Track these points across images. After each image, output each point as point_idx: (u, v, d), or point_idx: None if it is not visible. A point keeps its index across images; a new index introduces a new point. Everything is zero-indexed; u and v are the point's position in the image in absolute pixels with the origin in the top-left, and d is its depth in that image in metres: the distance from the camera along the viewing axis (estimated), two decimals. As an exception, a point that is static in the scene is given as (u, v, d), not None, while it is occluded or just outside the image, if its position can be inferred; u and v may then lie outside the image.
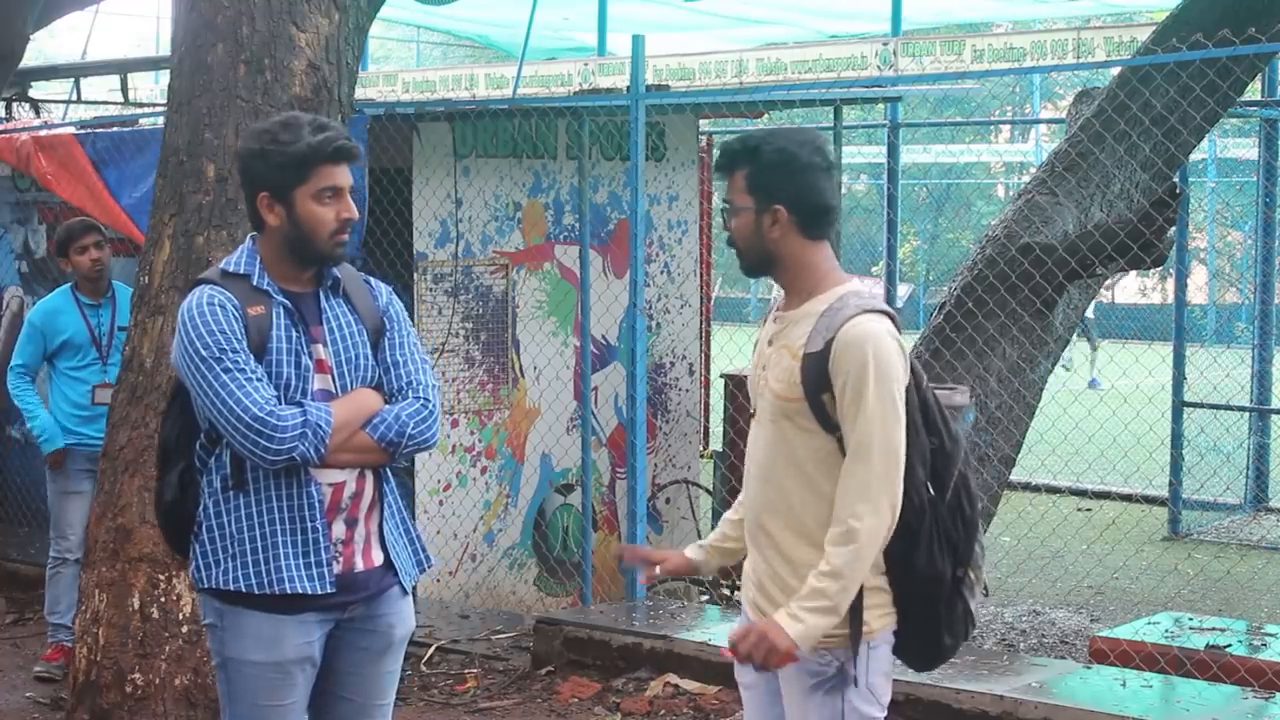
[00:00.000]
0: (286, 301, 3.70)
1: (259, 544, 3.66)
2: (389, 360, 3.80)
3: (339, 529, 3.72)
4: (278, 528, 3.66)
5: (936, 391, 3.54)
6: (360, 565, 3.75)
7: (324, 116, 3.88)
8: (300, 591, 3.65)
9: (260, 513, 3.66)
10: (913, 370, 3.45)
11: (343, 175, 3.69)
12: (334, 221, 3.67)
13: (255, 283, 3.69)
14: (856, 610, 3.38)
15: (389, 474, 3.83)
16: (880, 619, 3.45)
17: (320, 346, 3.72)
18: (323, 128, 3.67)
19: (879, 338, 3.35)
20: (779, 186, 3.44)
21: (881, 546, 3.36)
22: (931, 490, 3.44)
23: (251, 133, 3.77)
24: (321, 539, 3.67)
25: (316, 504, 3.67)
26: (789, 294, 3.54)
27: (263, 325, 3.64)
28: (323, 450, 3.61)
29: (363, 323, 3.79)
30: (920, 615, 3.47)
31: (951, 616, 3.49)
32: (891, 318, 3.42)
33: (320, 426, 3.60)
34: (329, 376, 3.71)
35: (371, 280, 3.90)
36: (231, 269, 3.72)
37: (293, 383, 3.65)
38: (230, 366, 3.57)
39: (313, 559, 3.67)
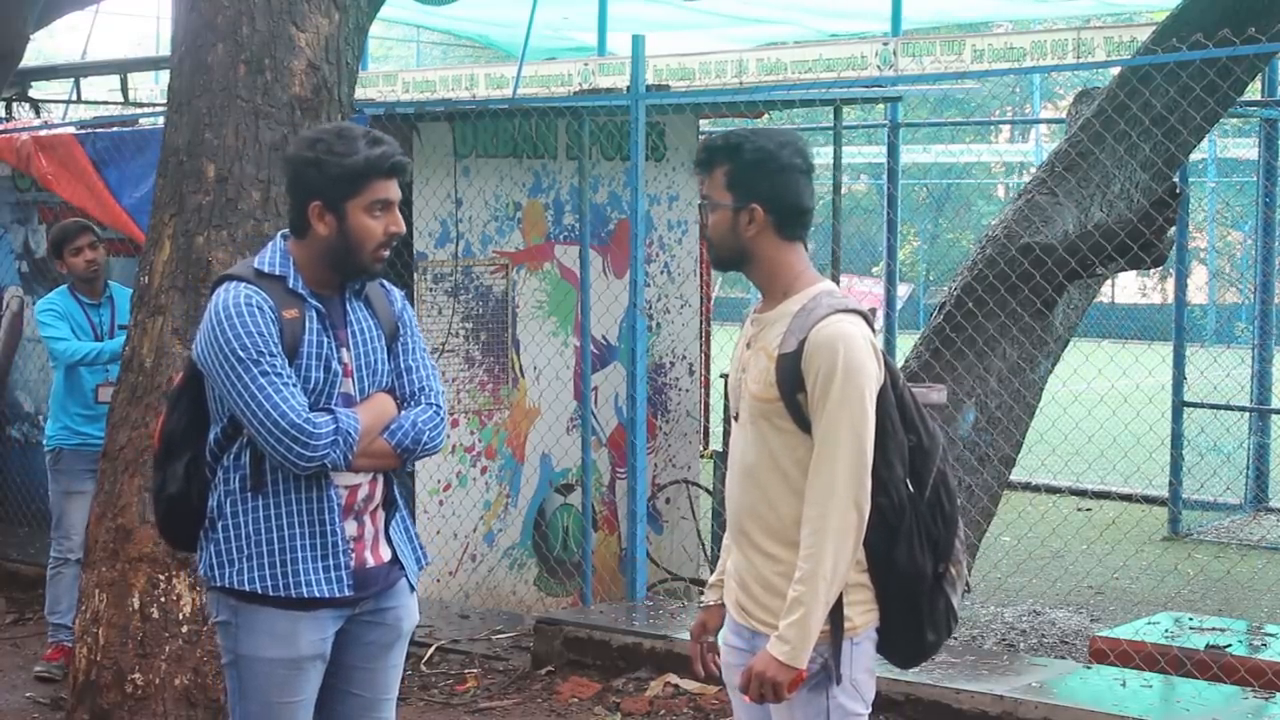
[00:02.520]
0: (319, 306, 3.71)
1: (275, 546, 3.68)
2: (403, 365, 3.84)
3: (350, 526, 3.75)
4: (296, 530, 3.68)
5: (913, 389, 3.56)
6: (371, 561, 3.79)
7: (377, 131, 3.88)
8: (318, 596, 3.68)
9: (279, 515, 3.68)
10: (889, 368, 3.47)
11: (394, 189, 3.71)
12: (382, 235, 3.69)
13: (290, 285, 3.69)
14: (839, 607, 3.40)
15: (393, 474, 3.87)
16: (863, 615, 3.46)
17: (345, 351, 3.74)
18: (378, 141, 3.68)
19: (850, 338, 3.37)
20: (758, 185, 3.45)
21: (855, 544, 3.37)
22: (910, 487, 3.46)
23: (304, 140, 3.79)
24: (339, 542, 3.70)
25: (335, 507, 3.70)
26: (764, 295, 3.56)
27: (296, 329, 3.65)
28: (351, 457, 3.65)
29: (380, 327, 3.82)
30: (902, 611, 3.48)
31: (934, 613, 3.50)
32: (865, 318, 3.44)
33: (350, 434, 3.64)
34: (350, 380, 3.74)
35: (386, 284, 3.92)
36: (266, 269, 3.71)
37: (320, 387, 3.67)
38: (267, 370, 3.58)
39: (330, 562, 3.69)
